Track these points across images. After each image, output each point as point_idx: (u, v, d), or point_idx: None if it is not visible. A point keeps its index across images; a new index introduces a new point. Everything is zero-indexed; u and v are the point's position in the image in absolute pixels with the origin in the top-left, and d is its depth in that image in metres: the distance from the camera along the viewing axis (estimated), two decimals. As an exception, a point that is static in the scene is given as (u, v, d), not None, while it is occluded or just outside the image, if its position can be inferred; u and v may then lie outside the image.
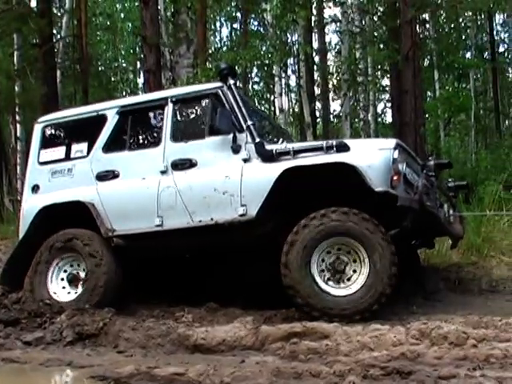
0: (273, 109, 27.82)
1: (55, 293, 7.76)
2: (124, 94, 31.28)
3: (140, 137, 8.23)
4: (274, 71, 24.67)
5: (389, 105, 31.56)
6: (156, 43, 15.08)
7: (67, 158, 8.20)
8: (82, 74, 20.10)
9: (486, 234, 9.47)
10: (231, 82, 7.40)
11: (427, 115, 22.89)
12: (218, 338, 5.79)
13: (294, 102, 35.38)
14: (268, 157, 6.97)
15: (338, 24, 24.86)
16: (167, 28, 18.27)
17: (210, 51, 24.76)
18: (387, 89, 28.01)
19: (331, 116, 29.28)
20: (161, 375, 4.65)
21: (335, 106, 30.36)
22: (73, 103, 21.26)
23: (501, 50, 30.74)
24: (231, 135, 7.14)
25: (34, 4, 20.61)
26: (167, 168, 7.46)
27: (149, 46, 14.85)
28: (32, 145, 8.62)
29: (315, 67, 28.13)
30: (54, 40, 20.28)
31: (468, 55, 28.61)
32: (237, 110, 7.24)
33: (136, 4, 25.01)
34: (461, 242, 8.24)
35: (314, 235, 6.58)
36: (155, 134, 7.89)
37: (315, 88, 27.98)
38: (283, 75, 28.25)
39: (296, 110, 32.85)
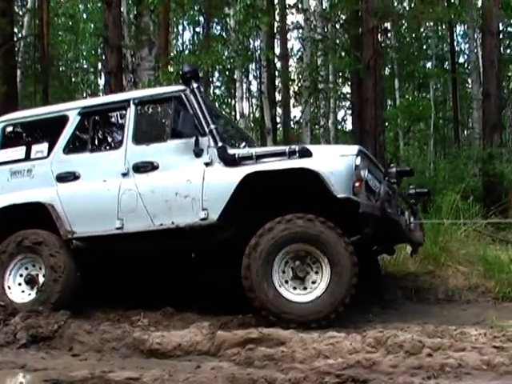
0: (234, 113, 27.80)
1: (15, 297, 7.64)
2: (84, 95, 31.13)
3: (101, 138, 8.18)
4: (235, 76, 24.76)
5: (349, 112, 31.83)
6: (118, 45, 15.02)
7: (27, 158, 8.11)
8: (43, 73, 19.95)
9: (444, 243, 9.53)
10: (194, 85, 7.37)
11: (387, 123, 23.03)
12: (173, 343, 5.77)
13: (254, 107, 35.45)
14: (230, 161, 6.96)
15: (301, 31, 24.93)
16: (130, 30, 18.17)
17: (172, 54, 24.66)
18: (348, 96, 28.15)
19: (292, 122, 29.31)
20: (115, 380, 4.63)
21: (296, 112, 30.45)
22: (33, 103, 21.04)
23: (461, 60, 31.11)
24: (193, 139, 7.11)
25: (-5, 2, 20.40)
26: (128, 170, 7.42)
27: (111, 47, 14.80)
28: (-10, 144, 8.49)
29: (277, 73, 28.16)
30: (15, 39, 20.10)
31: (429, 65, 28.89)
32: (199, 114, 7.22)
33: (99, 5, 24.84)
34: (418, 250, 8.29)
35: (277, 240, 6.58)
36: (117, 136, 7.85)
37: (276, 94, 28.02)
38: (245, 80, 28.40)
39: (257, 115, 32.86)
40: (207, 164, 7.07)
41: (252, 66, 30.96)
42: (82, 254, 7.57)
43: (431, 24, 27.93)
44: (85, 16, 32.01)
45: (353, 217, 6.60)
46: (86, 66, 34.54)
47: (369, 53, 16.75)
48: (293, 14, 26.25)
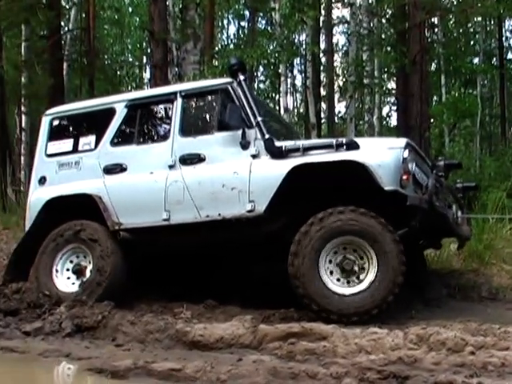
0: (278, 108, 27.78)
1: (60, 284, 7.74)
2: (129, 88, 31.36)
3: (148, 131, 8.24)
4: (280, 70, 24.71)
5: (394, 108, 31.66)
6: (163, 38, 15.13)
7: (75, 150, 8.19)
8: (89, 67, 20.21)
9: (488, 241, 9.40)
10: (241, 77, 7.37)
11: (432, 120, 22.87)
12: (215, 336, 5.77)
13: (299, 101, 35.50)
14: (277, 153, 6.97)
15: (346, 25, 24.93)
16: (175, 24, 18.28)
17: (217, 48, 24.79)
18: (393, 92, 28.05)
19: (336, 117, 29.31)
20: (158, 370, 4.67)
21: (340, 107, 30.43)
22: (78, 96, 21.33)
23: (509, 56, 30.70)
24: (240, 131, 7.13)
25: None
26: (175, 162, 7.45)
27: (156, 41, 14.92)
28: (39, 137, 8.61)
29: (322, 68, 28.16)
30: (62, 32, 20.34)
31: (476, 60, 28.62)
32: (246, 106, 7.23)
33: (145, -1, 25.07)
34: (464, 245, 8.23)
35: (328, 230, 6.56)
36: (164, 129, 7.89)
37: (321, 89, 28.01)
38: (289, 75, 28.39)
39: (301, 110, 32.91)
40: (254, 156, 7.08)
41: (297, 61, 31.05)
42: (129, 245, 7.63)
43: (479, 19, 27.67)
44: (130, 10, 32.36)
45: (400, 210, 6.57)
46: (131, 60, 34.85)
47: (415, 48, 16.69)
48: (338, 8, 26.34)
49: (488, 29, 30.35)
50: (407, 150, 6.66)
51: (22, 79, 20.43)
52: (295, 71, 32.99)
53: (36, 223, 8.07)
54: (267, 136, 7.06)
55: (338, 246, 6.63)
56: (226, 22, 34.85)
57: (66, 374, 5.25)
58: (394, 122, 32.52)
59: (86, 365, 4.98)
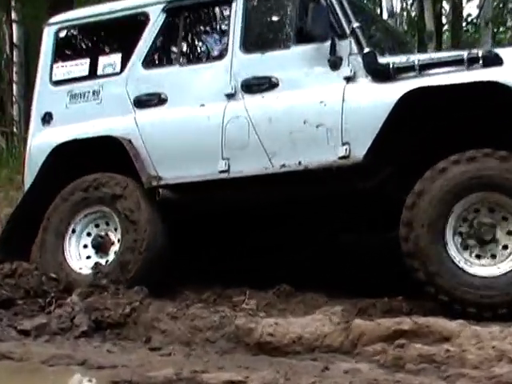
0: (378, 12, 27.60)
1: (73, 263, 7.86)
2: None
3: (196, 46, 8.31)
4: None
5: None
6: None
7: (92, 75, 8.27)
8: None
9: None
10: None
11: None
12: (291, 335, 5.79)
13: (409, 2, 35.15)
14: (382, 74, 6.90)
15: None
16: None
17: None
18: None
19: (465, 22, 29.02)
20: (211, 383, 4.72)
21: (471, 8, 30.11)
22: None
23: None
24: (329, 42, 7.07)
25: None
26: (236, 90, 7.48)
27: None
28: (41, 56, 8.67)
29: (444, -48, 27.88)
30: None
31: None
32: (337, 8, 7.16)
33: None
34: None
35: (454, 186, 6.44)
36: (218, 42, 7.96)
37: (442, -19, 27.75)
38: (395, -37, 28.09)
39: (413, 13, 32.63)
40: (348, 79, 7.03)
41: None
42: (171, 208, 7.68)
43: None
44: None
45: None
46: None
47: None
48: None
49: None
50: None
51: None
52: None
53: (39, 179, 8.15)
54: (367, 49, 6.98)
55: (470, 206, 6.48)
56: None
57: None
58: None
59: (109, 376, 5.00)
